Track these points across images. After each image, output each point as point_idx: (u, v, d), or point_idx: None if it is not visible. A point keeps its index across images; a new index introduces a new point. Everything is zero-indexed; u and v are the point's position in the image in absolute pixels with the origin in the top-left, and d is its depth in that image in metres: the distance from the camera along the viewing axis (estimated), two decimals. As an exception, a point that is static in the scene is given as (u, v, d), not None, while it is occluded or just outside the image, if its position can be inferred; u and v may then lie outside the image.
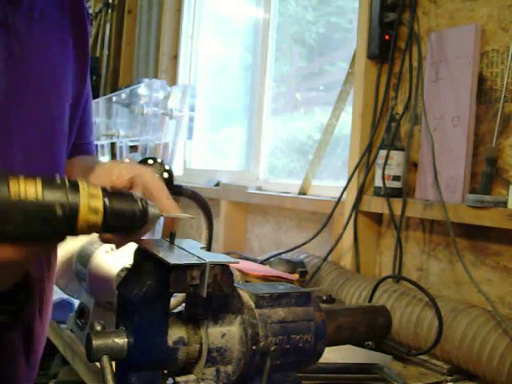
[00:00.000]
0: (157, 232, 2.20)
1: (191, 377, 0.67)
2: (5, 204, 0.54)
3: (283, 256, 1.69)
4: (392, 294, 1.30)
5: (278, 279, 1.45)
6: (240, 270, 1.48)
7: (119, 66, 3.62)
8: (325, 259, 1.61)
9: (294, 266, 1.59)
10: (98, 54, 3.89)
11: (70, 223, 0.57)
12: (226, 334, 0.66)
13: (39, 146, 0.83)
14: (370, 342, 1.21)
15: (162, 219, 0.67)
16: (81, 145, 0.99)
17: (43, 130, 0.83)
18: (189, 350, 0.65)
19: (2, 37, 0.74)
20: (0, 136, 0.75)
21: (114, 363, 0.62)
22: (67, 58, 0.87)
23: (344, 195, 1.63)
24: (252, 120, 2.52)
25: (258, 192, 2.15)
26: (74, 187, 0.58)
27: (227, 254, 1.75)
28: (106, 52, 3.80)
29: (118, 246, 0.65)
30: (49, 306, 0.93)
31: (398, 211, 1.44)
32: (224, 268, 0.62)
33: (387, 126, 1.52)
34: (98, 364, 0.60)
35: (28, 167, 0.79)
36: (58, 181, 0.57)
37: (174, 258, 0.61)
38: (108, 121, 2.85)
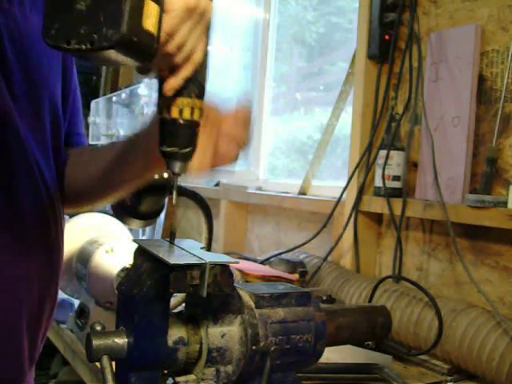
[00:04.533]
0: (157, 232, 2.20)
1: (191, 377, 0.67)
2: None
3: (283, 256, 1.69)
4: (392, 294, 1.30)
5: (278, 279, 1.45)
6: (240, 270, 1.48)
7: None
8: (325, 259, 1.61)
9: (294, 265, 1.59)
10: (98, 54, 3.87)
11: None
12: (225, 334, 0.66)
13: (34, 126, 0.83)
14: (370, 342, 1.21)
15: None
16: (71, 135, 0.97)
17: (37, 114, 0.84)
18: (189, 350, 0.65)
19: (2, 20, 0.75)
20: None
21: (114, 363, 0.62)
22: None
23: (344, 195, 1.63)
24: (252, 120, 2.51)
25: (258, 192, 2.15)
26: None
27: (227, 254, 1.75)
28: (106, 52, 3.79)
29: None
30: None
31: (398, 211, 1.44)
32: (224, 268, 0.62)
33: (387, 126, 1.52)
34: (97, 364, 0.60)
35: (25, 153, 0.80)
36: None
37: (174, 258, 0.61)
38: (108, 121, 2.85)
